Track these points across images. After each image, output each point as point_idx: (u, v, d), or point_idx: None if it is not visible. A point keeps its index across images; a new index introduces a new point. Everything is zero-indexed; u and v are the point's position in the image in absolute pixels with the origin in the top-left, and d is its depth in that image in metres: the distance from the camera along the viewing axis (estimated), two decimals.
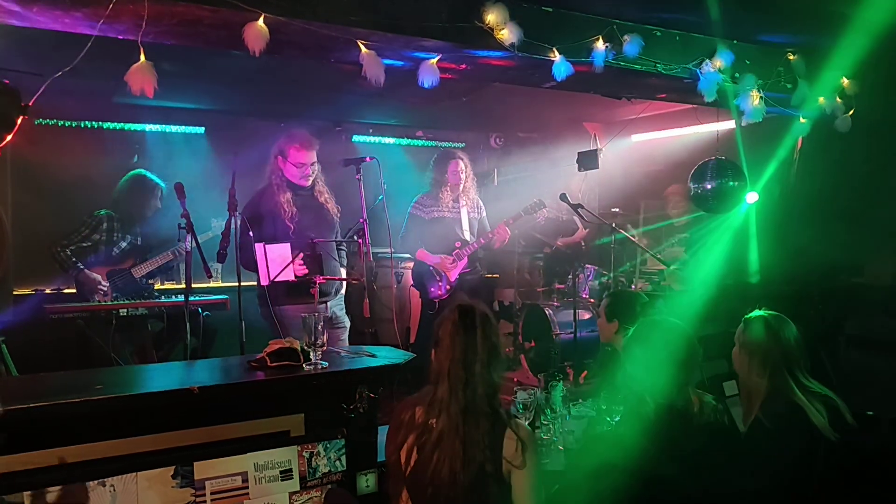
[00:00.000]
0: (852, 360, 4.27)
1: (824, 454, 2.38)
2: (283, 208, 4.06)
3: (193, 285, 4.04)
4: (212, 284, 5.03)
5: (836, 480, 2.40)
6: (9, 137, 2.87)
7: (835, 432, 2.40)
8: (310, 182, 4.22)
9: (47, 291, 5.34)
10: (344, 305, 4.44)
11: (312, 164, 4.19)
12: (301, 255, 3.87)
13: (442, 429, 2.07)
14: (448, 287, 4.97)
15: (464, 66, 3.55)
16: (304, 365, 2.75)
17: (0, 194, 4.90)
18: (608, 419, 2.68)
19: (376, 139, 7.00)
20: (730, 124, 4.98)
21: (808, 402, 2.45)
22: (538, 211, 5.10)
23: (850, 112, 4.50)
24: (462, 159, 5.04)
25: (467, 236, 5.02)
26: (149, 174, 4.92)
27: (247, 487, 2.52)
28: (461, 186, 5.02)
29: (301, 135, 4.17)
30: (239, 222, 3.77)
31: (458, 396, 2.08)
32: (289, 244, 3.91)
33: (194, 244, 3.69)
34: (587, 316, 5.64)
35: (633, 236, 5.38)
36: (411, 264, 5.47)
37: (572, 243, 6.17)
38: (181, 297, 4.43)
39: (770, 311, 2.66)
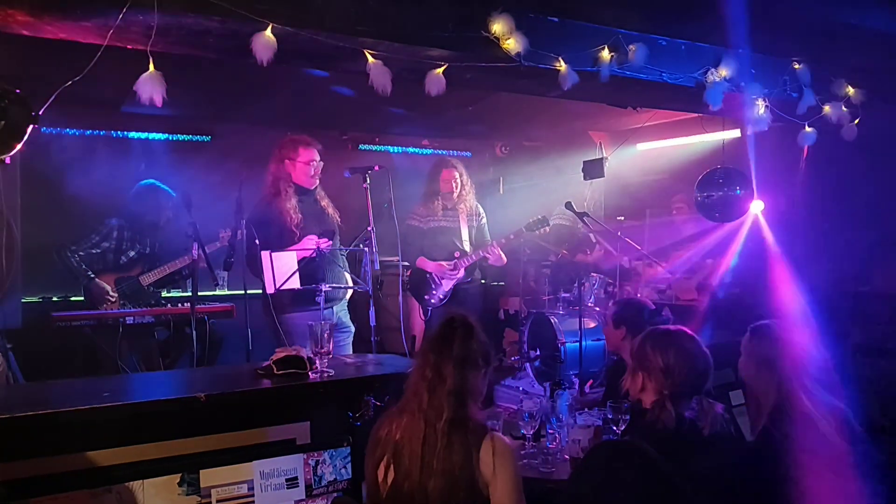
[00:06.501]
0: (860, 369, 4.24)
1: (833, 463, 2.36)
2: (290, 216, 4.06)
3: (200, 293, 4.04)
4: (218, 292, 5.04)
5: (844, 489, 2.38)
6: (19, 146, 2.89)
7: (843, 441, 2.39)
8: (316, 184, 4.22)
9: (54, 299, 5.36)
10: (347, 311, 4.45)
11: (319, 162, 4.18)
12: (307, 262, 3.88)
13: (404, 448, 2.07)
14: (442, 296, 4.93)
15: (469, 75, 3.57)
16: (310, 373, 2.76)
17: (9, 202, 4.90)
18: (614, 428, 2.66)
19: (382, 148, 7.02)
20: (735, 133, 4.99)
21: (816, 410, 2.43)
22: (540, 229, 5.00)
23: (856, 121, 4.50)
24: (455, 168, 4.94)
25: (466, 245, 4.95)
26: (159, 184, 4.95)
27: (252, 495, 2.52)
28: (455, 195, 4.92)
29: (301, 136, 4.19)
30: (245, 231, 3.78)
31: (420, 416, 2.07)
32: (294, 252, 3.92)
33: (201, 253, 3.71)
34: (593, 325, 5.62)
35: (644, 260, 5.37)
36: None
37: (584, 261, 6.15)
38: (187, 305, 4.44)
39: (776, 320, 2.65)
